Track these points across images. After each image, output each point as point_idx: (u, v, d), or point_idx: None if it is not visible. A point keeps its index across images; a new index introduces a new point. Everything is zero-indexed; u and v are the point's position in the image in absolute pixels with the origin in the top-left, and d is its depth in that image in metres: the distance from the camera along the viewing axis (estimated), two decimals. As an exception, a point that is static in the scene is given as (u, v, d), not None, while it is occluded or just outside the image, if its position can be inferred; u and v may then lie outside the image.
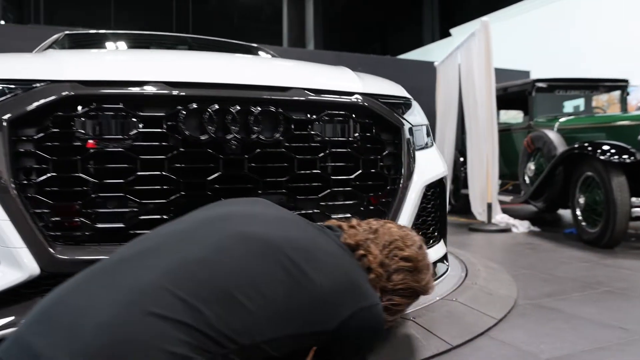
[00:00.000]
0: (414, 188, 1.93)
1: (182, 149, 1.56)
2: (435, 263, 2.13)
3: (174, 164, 1.56)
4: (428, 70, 7.00)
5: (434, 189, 2.14)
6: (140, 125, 1.53)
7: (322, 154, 1.74)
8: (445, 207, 2.23)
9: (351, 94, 1.84)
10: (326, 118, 1.75)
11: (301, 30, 10.00)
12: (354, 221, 1.36)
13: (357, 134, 1.82)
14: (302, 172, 1.71)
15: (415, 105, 2.15)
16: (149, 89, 1.55)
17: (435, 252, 2.14)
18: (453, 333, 2.38)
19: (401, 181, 1.89)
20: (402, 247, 1.30)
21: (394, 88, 2.12)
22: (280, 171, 1.68)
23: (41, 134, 1.46)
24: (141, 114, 1.54)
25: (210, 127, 1.57)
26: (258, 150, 1.64)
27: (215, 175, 1.60)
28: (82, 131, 1.48)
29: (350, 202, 1.81)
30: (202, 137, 1.57)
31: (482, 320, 2.63)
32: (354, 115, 1.81)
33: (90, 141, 1.50)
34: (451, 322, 2.55)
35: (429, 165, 2.10)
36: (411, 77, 7.35)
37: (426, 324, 2.46)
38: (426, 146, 2.14)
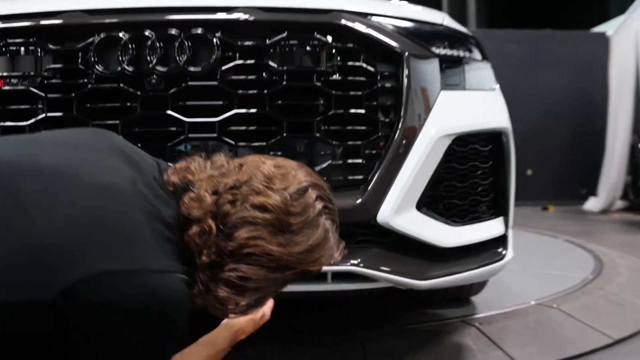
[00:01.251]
0: (424, 138, 1.39)
1: (94, 85, 1.31)
2: (477, 246, 1.55)
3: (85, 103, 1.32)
4: (599, 43, 5.85)
5: (477, 146, 1.55)
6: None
7: (273, 89, 1.33)
8: (505, 173, 1.61)
9: (327, 11, 1.39)
10: (286, 43, 1.34)
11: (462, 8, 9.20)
12: (220, 157, 0.93)
13: (332, 64, 1.36)
14: (244, 111, 1.32)
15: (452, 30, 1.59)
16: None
17: (477, 231, 1.55)
18: (530, 350, 1.74)
19: (399, 127, 1.37)
20: (260, 190, 0.82)
21: (417, 11, 1.60)
22: (211, 110, 1.31)
23: None
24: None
25: (122, 59, 1.29)
26: (183, 84, 1.30)
27: (133, 115, 1.31)
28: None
29: (315, 151, 1.36)
30: (115, 70, 1.30)
31: (587, 338, 1.91)
32: (329, 39, 1.36)
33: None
34: (535, 335, 1.89)
35: (467, 112, 1.52)
36: (579, 52, 6.21)
37: (494, 334, 1.85)
38: (467, 86, 1.56)
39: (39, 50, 1.33)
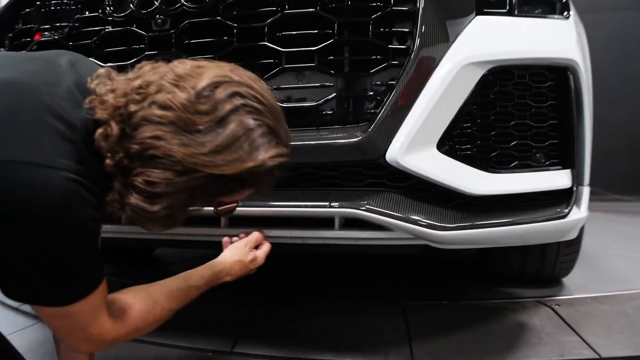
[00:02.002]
0: (447, 66, 1.20)
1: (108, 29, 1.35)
2: (526, 200, 1.31)
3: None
4: None
5: (528, 80, 1.31)
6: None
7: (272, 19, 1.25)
8: (572, 117, 1.34)
9: None
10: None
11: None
12: (155, 63, 0.87)
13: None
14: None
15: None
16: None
17: (525, 181, 1.31)
18: (615, 339, 1.44)
19: (413, 53, 1.20)
20: (166, 88, 0.74)
21: None
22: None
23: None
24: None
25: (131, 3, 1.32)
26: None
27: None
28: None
29: (318, 83, 1.24)
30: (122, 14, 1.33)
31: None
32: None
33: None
34: (629, 324, 1.56)
35: (511, 39, 1.29)
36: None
37: (572, 318, 1.58)
38: (517, 11, 1.32)
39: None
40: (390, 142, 1.19)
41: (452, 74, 1.20)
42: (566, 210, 1.32)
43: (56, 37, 1.42)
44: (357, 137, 1.19)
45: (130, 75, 0.82)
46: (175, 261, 2.56)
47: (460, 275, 2.11)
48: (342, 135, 1.21)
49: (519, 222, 1.28)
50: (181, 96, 0.75)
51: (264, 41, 1.25)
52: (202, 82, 0.77)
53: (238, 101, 0.77)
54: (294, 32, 1.25)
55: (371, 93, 1.23)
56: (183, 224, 0.86)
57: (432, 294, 1.86)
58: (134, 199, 0.77)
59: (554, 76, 1.34)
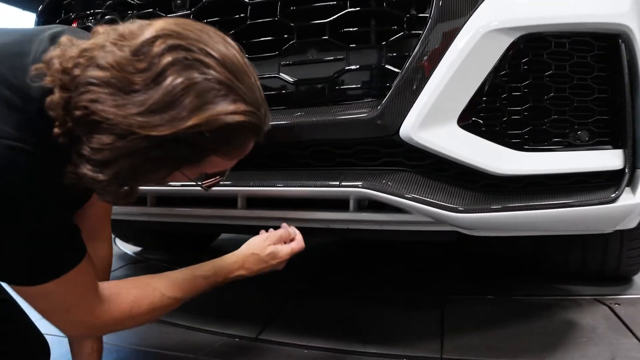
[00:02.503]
0: (468, 34, 1.10)
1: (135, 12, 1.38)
2: (567, 182, 1.18)
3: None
4: None
5: (568, 49, 1.17)
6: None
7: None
8: (624, 92, 1.19)
9: None
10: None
11: None
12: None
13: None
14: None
15: None
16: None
17: (564, 161, 1.17)
18: None
19: (430, 21, 1.11)
20: (106, 48, 0.70)
21: None
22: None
23: None
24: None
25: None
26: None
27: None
28: None
29: (329, 57, 1.19)
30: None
31: None
32: None
33: None
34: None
35: (545, 2, 1.16)
36: None
37: (631, 319, 1.41)
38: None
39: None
40: (405, 118, 1.11)
41: (474, 42, 1.10)
42: (613, 195, 1.16)
43: (90, 24, 1.47)
44: (368, 112, 1.12)
45: (86, 39, 0.77)
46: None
47: (518, 272, 1.95)
48: (353, 110, 1.15)
49: (556, 206, 1.14)
50: (118, 54, 0.69)
51: (277, 17, 1.21)
52: (141, 38, 0.70)
53: (179, 54, 0.69)
54: (307, 6, 1.20)
55: (385, 66, 1.15)
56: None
57: (478, 288, 1.74)
58: (84, 169, 0.72)
59: (602, 45, 1.19)
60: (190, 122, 0.68)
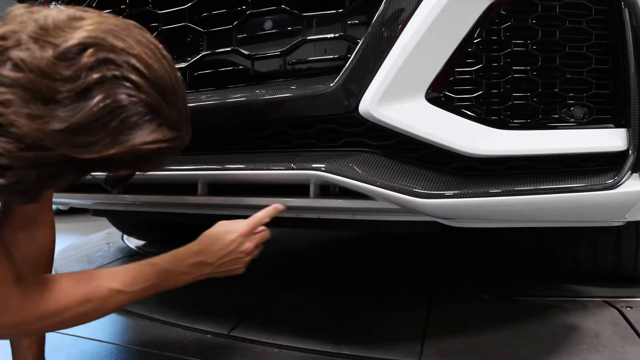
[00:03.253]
0: (436, -5, 0.98)
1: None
2: (556, 164, 1.03)
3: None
4: None
5: (558, 12, 1.03)
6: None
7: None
8: (629, 59, 1.03)
9: None
10: None
11: None
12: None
13: None
14: None
15: None
16: None
17: (552, 140, 1.02)
18: None
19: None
20: (24, 43, 0.62)
21: None
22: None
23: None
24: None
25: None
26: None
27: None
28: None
29: (286, 27, 1.08)
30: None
31: None
32: None
33: None
34: None
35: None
36: None
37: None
38: None
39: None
40: (364, 92, 0.99)
41: (442, 5, 0.97)
42: (612, 180, 1.01)
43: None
44: (325, 86, 1.01)
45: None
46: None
47: (524, 271, 1.78)
48: (310, 86, 1.04)
49: (541, 192, 0.99)
50: (38, 55, 0.61)
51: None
52: (70, 41, 0.63)
53: (109, 71, 0.63)
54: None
55: (347, 34, 1.04)
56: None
57: (474, 286, 1.59)
58: None
59: (602, 9, 1.04)
60: (112, 151, 0.65)
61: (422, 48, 0.97)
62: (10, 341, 1.07)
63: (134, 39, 0.67)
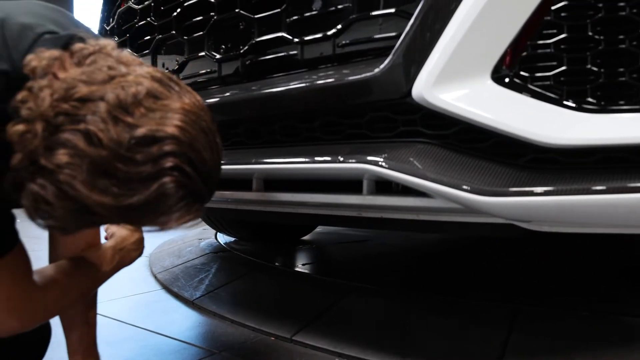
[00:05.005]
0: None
1: None
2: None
3: None
4: None
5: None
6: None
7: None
8: None
9: None
10: None
11: None
12: (118, 55, 0.70)
13: None
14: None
15: None
16: None
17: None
18: None
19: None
20: (102, 115, 0.62)
21: None
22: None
23: None
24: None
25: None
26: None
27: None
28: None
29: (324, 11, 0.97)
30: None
31: None
32: None
33: None
34: None
35: None
36: None
37: None
38: None
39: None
40: (418, 73, 0.86)
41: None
42: None
43: (134, 5, 1.44)
44: (371, 70, 0.90)
45: (84, 69, 0.67)
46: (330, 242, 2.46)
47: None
48: (357, 70, 0.93)
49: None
50: (112, 136, 0.62)
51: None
52: (147, 128, 0.63)
53: (170, 162, 0.64)
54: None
55: (400, 9, 0.92)
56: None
57: (571, 300, 1.37)
58: (26, 201, 0.66)
59: None
60: (149, 223, 0.72)
61: (487, 17, 0.83)
62: (64, 332, 1.09)
63: (199, 129, 0.68)
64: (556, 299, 1.41)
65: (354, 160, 0.91)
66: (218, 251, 2.22)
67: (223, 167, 1.06)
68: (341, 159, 0.93)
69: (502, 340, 1.14)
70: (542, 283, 1.64)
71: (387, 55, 0.90)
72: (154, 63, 1.36)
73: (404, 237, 2.42)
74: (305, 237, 2.55)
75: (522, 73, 0.84)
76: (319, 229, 2.66)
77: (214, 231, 2.65)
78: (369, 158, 0.91)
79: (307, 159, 0.99)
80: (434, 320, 1.31)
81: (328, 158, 0.95)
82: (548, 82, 0.84)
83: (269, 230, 2.43)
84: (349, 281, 1.61)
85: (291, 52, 1.05)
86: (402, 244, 2.35)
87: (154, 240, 2.99)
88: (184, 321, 1.50)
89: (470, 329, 1.23)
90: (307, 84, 0.97)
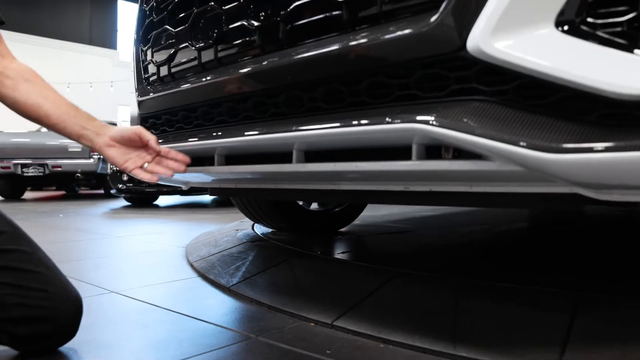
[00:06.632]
0: None
1: None
2: None
3: None
4: None
5: None
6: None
7: None
8: None
9: None
10: None
11: None
12: None
13: None
14: None
15: None
16: None
17: None
18: None
19: None
20: None
21: None
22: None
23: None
24: None
25: None
26: None
27: None
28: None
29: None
30: None
31: None
32: None
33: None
34: None
35: None
36: None
37: None
38: None
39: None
40: (474, 23, 0.79)
41: None
42: None
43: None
44: (422, 23, 0.83)
45: None
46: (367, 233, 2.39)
47: None
48: (403, 24, 0.87)
49: None
50: None
51: None
52: None
53: None
54: None
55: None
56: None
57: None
58: None
59: None
60: None
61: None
62: None
63: None
64: (622, 284, 1.31)
65: (402, 121, 0.85)
66: (255, 240, 2.17)
67: (262, 136, 1.02)
68: (389, 119, 0.87)
69: (565, 326, 1.04)
70: (604, 269, 1.53)
71: (438, 8, 0.83)
72: (192, 37, 1.32)
73: (447, 228, 2.33)
74: (343, 229, 2.49)
75: (589, 20, 0.76)
76: (357, 221, 2.59)
77: (251, 223, 2.61)
78: (419, 117, 0.84)
79: (352, 123, 0.92)
80: (487, 306, 1.22)
81: (374, 120, 0.89)
82: (619, 29, 0.75)
83: (307, 220, 2.38)
84: (392, 267, 1.53)
85: (334, 13, 0.99)
86: (445, 234, 2.25)
87: (190, 233, 2.98)
88: (220, 307, 1.46)
89: (527, 316, 1.14)
90: (354, 44, 0.91)
